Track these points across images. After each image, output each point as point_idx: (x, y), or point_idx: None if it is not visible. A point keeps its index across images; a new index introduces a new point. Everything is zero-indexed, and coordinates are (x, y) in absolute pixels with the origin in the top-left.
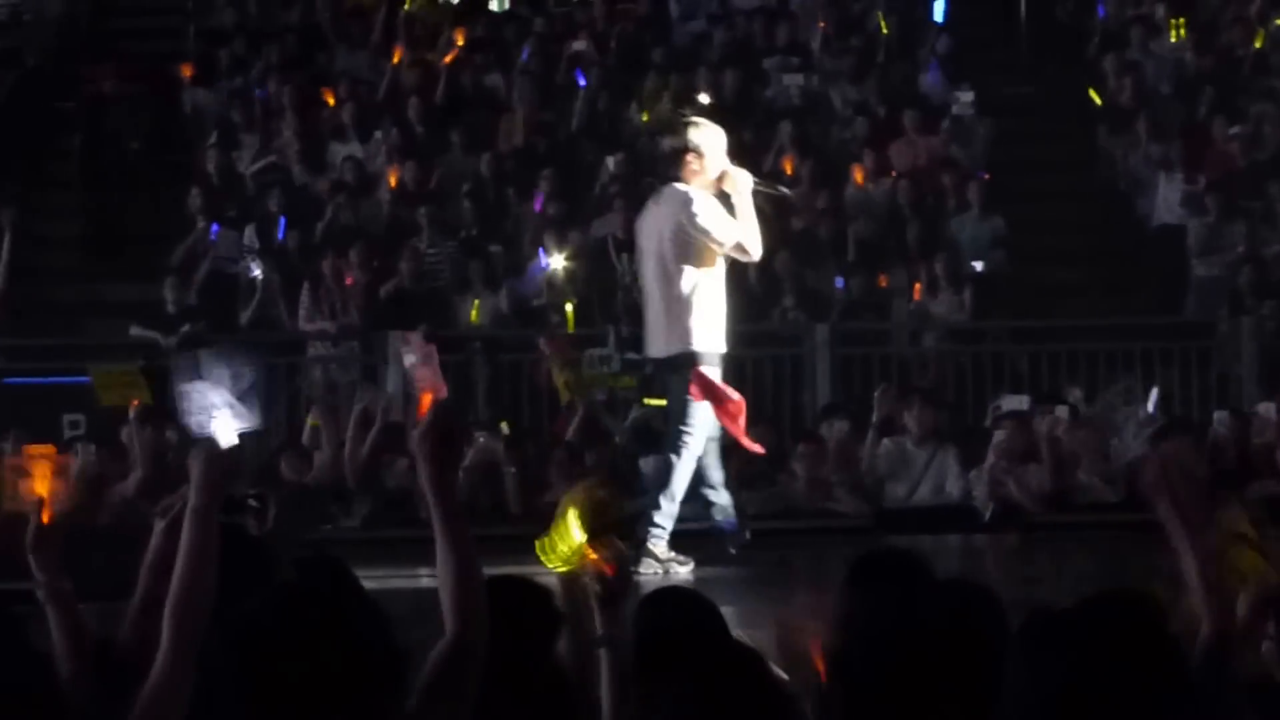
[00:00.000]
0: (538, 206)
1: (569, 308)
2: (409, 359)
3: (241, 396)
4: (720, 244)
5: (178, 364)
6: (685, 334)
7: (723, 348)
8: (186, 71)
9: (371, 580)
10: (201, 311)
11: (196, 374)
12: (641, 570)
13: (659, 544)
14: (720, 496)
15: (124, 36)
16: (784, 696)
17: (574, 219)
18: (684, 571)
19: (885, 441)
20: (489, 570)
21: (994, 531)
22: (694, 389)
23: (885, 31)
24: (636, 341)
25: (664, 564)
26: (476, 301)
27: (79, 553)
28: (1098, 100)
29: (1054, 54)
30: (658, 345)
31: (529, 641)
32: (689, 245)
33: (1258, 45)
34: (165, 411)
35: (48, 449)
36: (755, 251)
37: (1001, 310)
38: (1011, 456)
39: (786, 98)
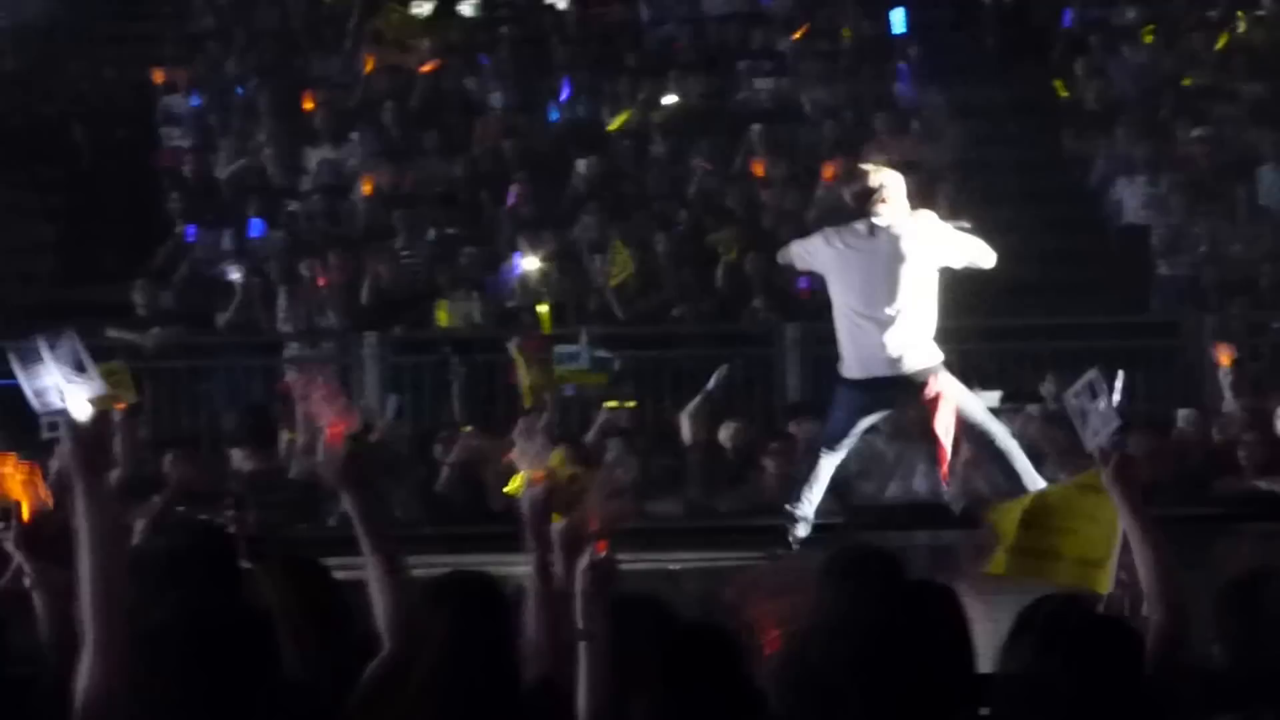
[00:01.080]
0: (510, 201)
1: (543, 309)
2: (305, 402)
3: (75, 364)
4: (982, 257)
5: (16, 353)
6: (930, 351)
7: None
8: (161, 77)
9: (348, 575)
10: (179, 314)
11: (37, 357)
12: None
13: None
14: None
15: (102, 41)
16: (752, 696)
17: (547, 221)
18: None
19: None
20: (468, 564)
21: (964, 528)
22: (933, 395)
23: (848, 36)
24: (606, 341)
25: None
26: (444, 303)
27: (58, 553)
28: (1063, 92)
29: (1022, 58)
30: (892, 364)
31: (486, 632)
32: (931, 269)
33: (1219, 48)
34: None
35: (9, 457)
36: (993, 258)
37: (969, 310)
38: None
39: (757, 101)
